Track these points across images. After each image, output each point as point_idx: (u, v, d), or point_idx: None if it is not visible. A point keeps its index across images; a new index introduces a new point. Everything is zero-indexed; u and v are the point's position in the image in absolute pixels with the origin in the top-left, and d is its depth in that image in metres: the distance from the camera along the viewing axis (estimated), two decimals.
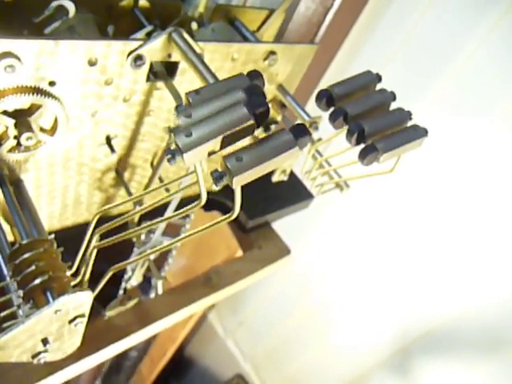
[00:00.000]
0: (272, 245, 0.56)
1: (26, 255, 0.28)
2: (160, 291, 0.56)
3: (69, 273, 0.32)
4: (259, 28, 0.48)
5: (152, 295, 0.53)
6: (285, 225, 0.69)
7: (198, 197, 0.25)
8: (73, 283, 0.32)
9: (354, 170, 0.37)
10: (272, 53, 0.41)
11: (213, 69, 0.33)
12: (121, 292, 0.47)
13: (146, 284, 0.52)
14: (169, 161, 0.19)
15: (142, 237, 0.49)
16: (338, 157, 0.39)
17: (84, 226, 0.46)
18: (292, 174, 0.60)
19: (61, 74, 0.31)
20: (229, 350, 1.43)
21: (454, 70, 0.70)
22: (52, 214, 0.42)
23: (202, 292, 0.48)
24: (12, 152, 0.32)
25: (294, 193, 0.59)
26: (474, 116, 0.70)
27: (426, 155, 0.75)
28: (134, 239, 0.48)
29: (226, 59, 0.39)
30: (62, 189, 0.40)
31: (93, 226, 0.30)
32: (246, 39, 0.43)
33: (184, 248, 0.83)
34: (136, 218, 0.44)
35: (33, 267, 0.28)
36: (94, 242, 0.30)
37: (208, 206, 0.54)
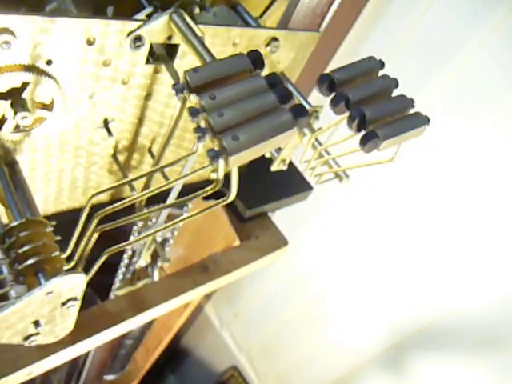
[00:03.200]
0: (269, 235, 0.56)
1: (20, 235, 0.28)
2: (156, 278, 0.56)
3: (63, 256, 0.31)
4: (262, 14, 0.48)
5: (156, 275, 0.53)
6: (281, 217, 0.69)
7: (200, 183, 0.25)
8: (66, 267, 0.32)
9: (353, 160, 0.37)
10: (274, 39, 0.41)
11: (213, 53, 0.32)
12: (121, 273, 0.47)
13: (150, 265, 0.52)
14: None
15: (141, 224, 0.48)
16: (337, 147, 0.39)
17: (78, 212, 0.46)
18: (291, 165, 0.60)
19: (58, 53, 0.30)
20: (224, 342, 1.43)
21: (456, 67, 0.70)
22: (47, 198, 0.42)
23: (197, 280, 0.48)
24: (8, 132, 0.32)
25: (293, 184, 0.59)
26: (475, 114, 0.70)
27: (425, 150, 0.75)
28: (138, 223, 0.48)
29: (226, 44, 0.38)
30: (58, 172, 0.40)
31: (87, 208, 0.30)
32: (248, 25, 0.42)
33: (181, 238, 0.83)
34: (140, 201, 0.43)
35: (25, 248, 0.28)
36: (93, 226, 0.29)
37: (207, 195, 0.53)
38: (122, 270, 0.48)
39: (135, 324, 0.45)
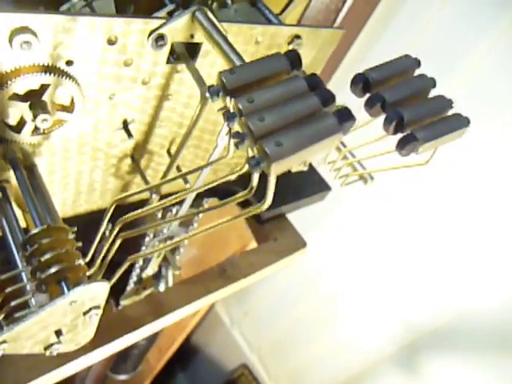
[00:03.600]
0: (288, 236, 0.55)
1: (42, 242, 0.27)
2: (171, 283, 0.55)
3: (83, 262, 0.31)
4: (282, 11, 0.46)
5: (162, 285, 0.52)
6: (293, 217, 0.68)
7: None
8: (88, 273, 0.31)
9: (377, 163, 0.35)
10: (297, 37, 0.39)
11: None
12: (132, 282, 0.46)
13: (157, 274, 0.51)
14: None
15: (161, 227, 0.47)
16: (362, 148, 0.38)
17: (96, 214, 0.45)
18: (309, 165, 0.58)
19: (79, 53, 0.29)
20: (234, 340, 1.43)
21: (467, 71, 0.69)
22: (65, 201, 0.41)
23: (216, 283, 0.47)
24: (27, 135, 0.31)
25: (311, 184, 0.58)
26: (484, 118, 0.68)
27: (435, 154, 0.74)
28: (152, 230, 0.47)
29: (249, 42, 0.37)
30: (76, 175, 0.39)
31: (109, 214, 0.29)
32: (269, 22, 0.41)
33: (194, 238, 0.82)
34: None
35: (48, 255, 0.27)
36: (115, 232, 0.28)
37: (219, 195, 0.52)
38: (133, 279, 0.46)
39: (155, 328, 0.44)
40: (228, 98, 0.18)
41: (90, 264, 0.31)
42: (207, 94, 0.18)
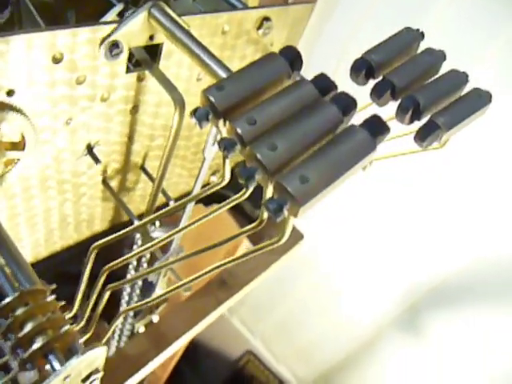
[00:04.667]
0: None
1: (17, 314, 0.23)
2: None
3: (68, 316, 0.26)
4: None
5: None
6: None
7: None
8: (81, 340, 0.27)
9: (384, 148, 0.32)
10: (266, 19, 0.35)
11: None
12: (124, 305, 0.42)
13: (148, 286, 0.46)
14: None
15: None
16: None
17: (74, 249, 0.40)
18: None
19: (19, 80, 0.24)
20: (236, 329, 1.42)
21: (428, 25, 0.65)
22: (37, 243, 0.36)
23: (217, 298, 0.44)
24: None
25: None
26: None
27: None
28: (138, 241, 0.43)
29: (215, 33, 0.32)
30: (44, 213, 0.34)
31: (90, 264, 0.24)
32: (233, 7, 0.36)
33: (184, 241, 0.78)
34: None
35: (27, 328, 0.22)
36: (101, 283, 0.24)
37: (207, 200, 0.48)
38: (123, 306, 0.42)
39: (160, 361, 0.40)
40: (221, 121, 0.14)
41: (75, 317, 0.27)
42: (193, 120, 0.14)
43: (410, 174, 0.80)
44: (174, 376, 1.62)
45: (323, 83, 0.15)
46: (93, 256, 0.25)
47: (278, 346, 1.39)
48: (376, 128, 0.14)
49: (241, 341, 1.45)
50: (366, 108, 0.28)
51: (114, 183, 0.37)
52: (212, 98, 0.14)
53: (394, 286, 1.00)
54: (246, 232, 0.20)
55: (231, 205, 0.20)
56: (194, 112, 0.14)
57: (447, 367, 0.98)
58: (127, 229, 0.23)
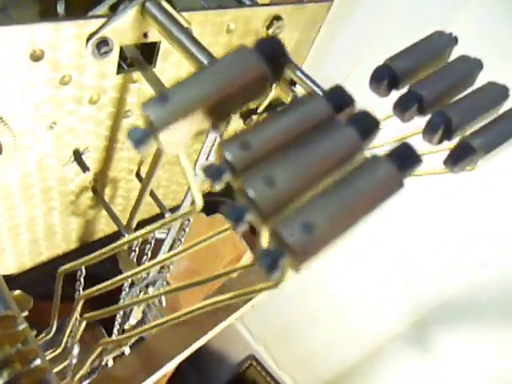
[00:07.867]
0: None
1: None
2: (164, 304, 0.46)
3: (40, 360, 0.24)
4: None
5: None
6: None
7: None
8: (51, 354, 0.24)
9: None
10: (277, 18, 0.32)
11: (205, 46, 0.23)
12: (116, 332, 0.39)
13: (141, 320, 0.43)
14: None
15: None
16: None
17: (62, 259, 0.38)
18: None
19: None
20: (239, 333, 1.40)
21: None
22: (21, 253, 0.34)
23: (217, 316, 0.41)
24: None
25: None
26: None
27: None
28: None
29: (219, 32, 0.29)
30: (28, 222, 0.31)
31: (78, 309, 0.22)
32: (240, 3, 0.33)
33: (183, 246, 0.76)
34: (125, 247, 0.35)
35: None
36: (77, 313, 0.21)
37: (207, 210, 0.45)
38: (115, 334, 0.39)
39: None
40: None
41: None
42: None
43: (419, 186, 0.77)
44: (176, 378, 1.60)
45: (339, 98, 0.11)
46: (61, 280, 0.22)
47: (281, 352, 1.36)
48: (406, 161, 0.10)
49: (244, 346, 1.43)
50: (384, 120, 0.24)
51: (106, 192, 0.35)
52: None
53: (401, 299, 0.97)
54: (240, 269, 0.17)
55: (222, 235, 0.17)
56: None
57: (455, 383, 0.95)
58: (94, 253, 0.19)
